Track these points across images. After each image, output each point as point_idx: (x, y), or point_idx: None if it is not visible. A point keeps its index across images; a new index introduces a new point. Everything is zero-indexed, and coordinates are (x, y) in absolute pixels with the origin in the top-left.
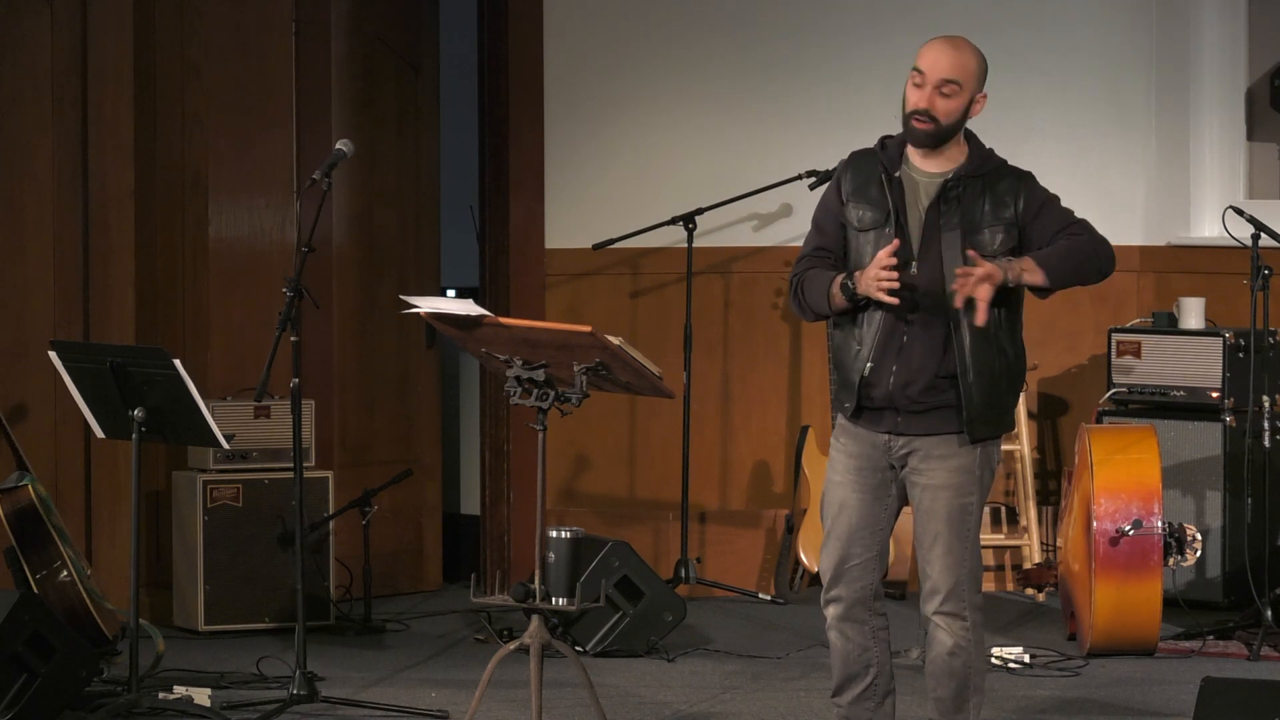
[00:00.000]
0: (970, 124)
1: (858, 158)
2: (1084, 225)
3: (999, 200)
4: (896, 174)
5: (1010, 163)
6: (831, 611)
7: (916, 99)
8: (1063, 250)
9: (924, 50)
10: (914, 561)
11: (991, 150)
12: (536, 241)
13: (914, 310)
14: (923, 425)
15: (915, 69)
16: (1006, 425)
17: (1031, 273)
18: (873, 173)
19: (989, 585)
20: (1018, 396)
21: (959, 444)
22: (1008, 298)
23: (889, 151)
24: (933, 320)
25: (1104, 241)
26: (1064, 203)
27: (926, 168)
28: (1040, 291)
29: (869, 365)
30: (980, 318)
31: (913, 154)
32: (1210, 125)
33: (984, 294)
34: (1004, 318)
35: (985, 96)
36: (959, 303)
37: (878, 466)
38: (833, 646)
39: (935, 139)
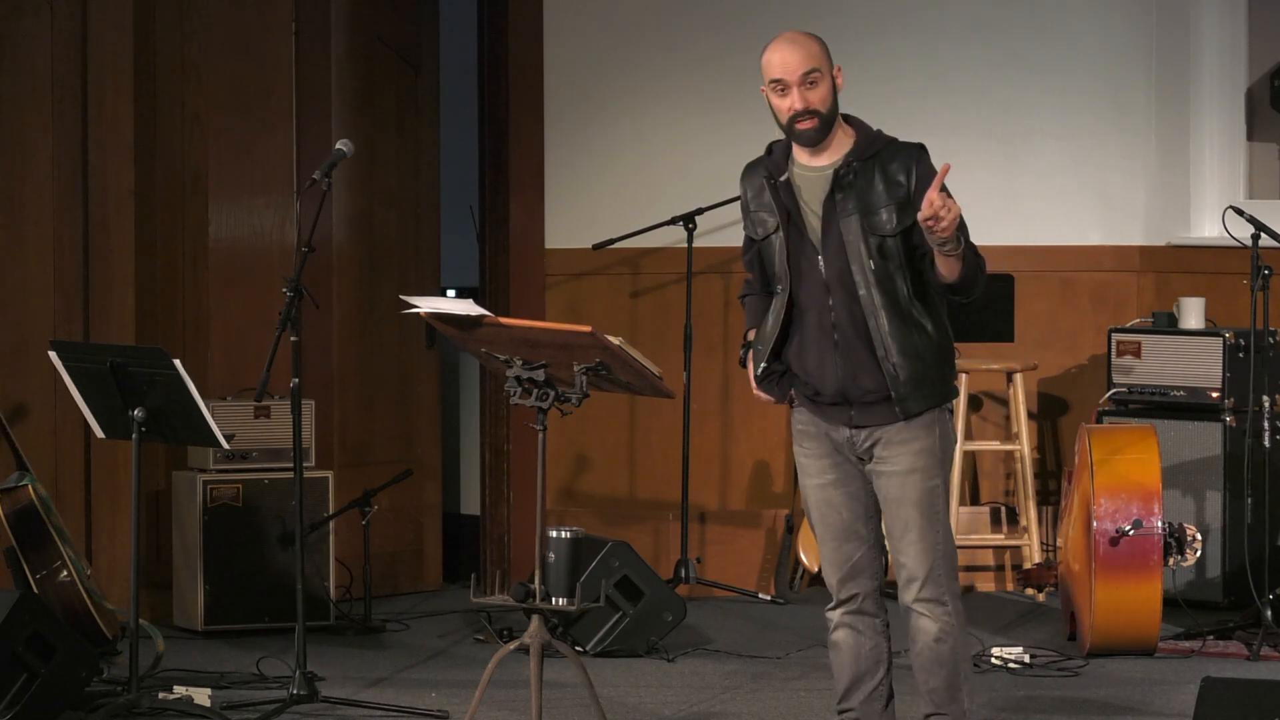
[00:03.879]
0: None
1: (747, 170)
2: (970, 243)
3: (891, 179)
4: (783, 177)
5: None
6: (841, 611)
7: (789, 104)
8: (971, 255)
9: (769, 60)
10: None
11: (879, 131)
12: (536, 241)
13: (833, 304)
14: (879, 415)
15: (773, 81)
16: (947, 395)
17: (955, 259)
18: (762, 181)
19: (989, 585)
20: (951, 368)
21: (918, 427)
22: (919, 274)
23: (775, 157)
24: (854, 310)
25: (981, 257)
26: (1063, 202)
27: (816, 162)
28: (935, 275)
29: (774, 362)
30: (951, 226)
31: (799, 153)
32: (1210, 125)
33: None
34: (914, 293)
35: (840, 68)
36: (932, 224)
37: (848, 459)
38: (840, 648)
39: (823, 131)
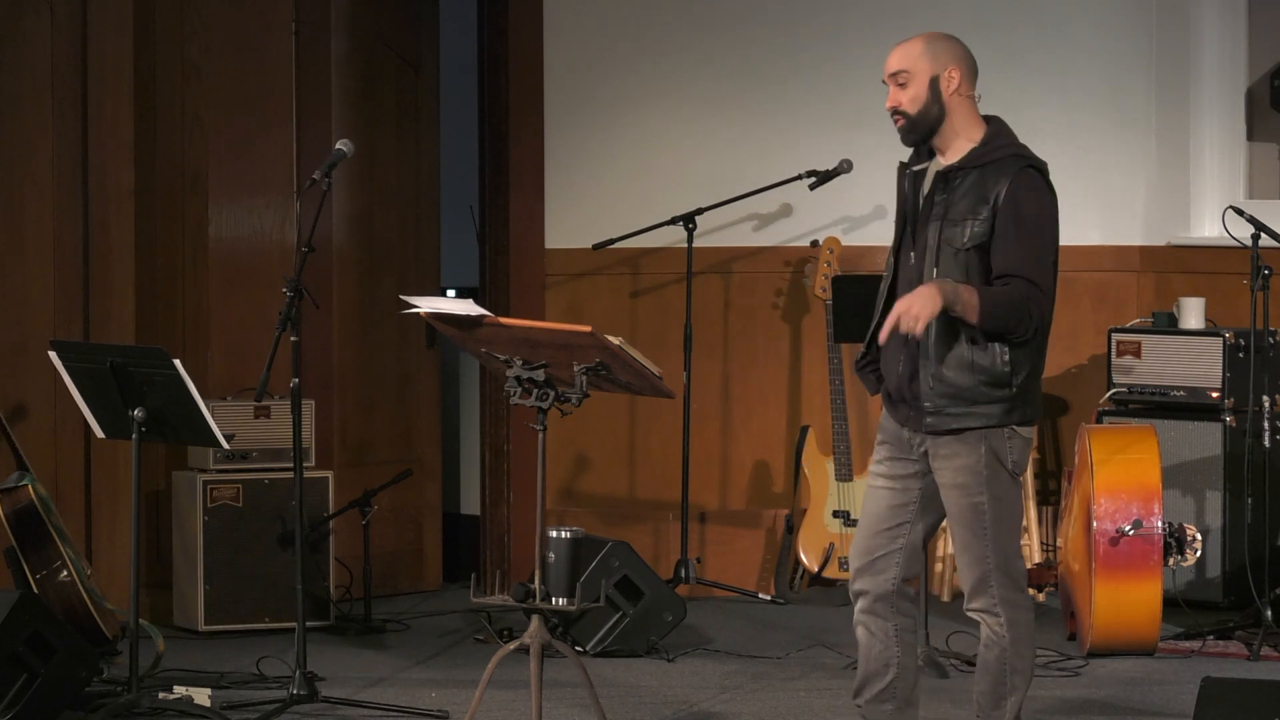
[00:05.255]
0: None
1: None
2: (1026, 286)
3: (984, 193)
4: (918, 167)
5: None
6: (857, 607)
7: (887, 102)
8: (1002, 298)
9: None
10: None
11: (1008, 142)
12: (536, 241)
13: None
14: (926, 427)
15: (884, 82)
16: (1002, 420)
17: (969, 312)
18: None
19: None
20: (1013, 393)
21: (962, 443)
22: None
23: (923, 150)
24: None
25: (1035, 302)
26: (1063, 202)
27: (941, 160)
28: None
29: (872, 353)
30: (918, 330)
31: (936, 150)
32: (1210, 125)
33: (922, 318)
34: None
35: (957, 70)
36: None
37: (907, 459)
38: (859, 642)
39: (915, 130)
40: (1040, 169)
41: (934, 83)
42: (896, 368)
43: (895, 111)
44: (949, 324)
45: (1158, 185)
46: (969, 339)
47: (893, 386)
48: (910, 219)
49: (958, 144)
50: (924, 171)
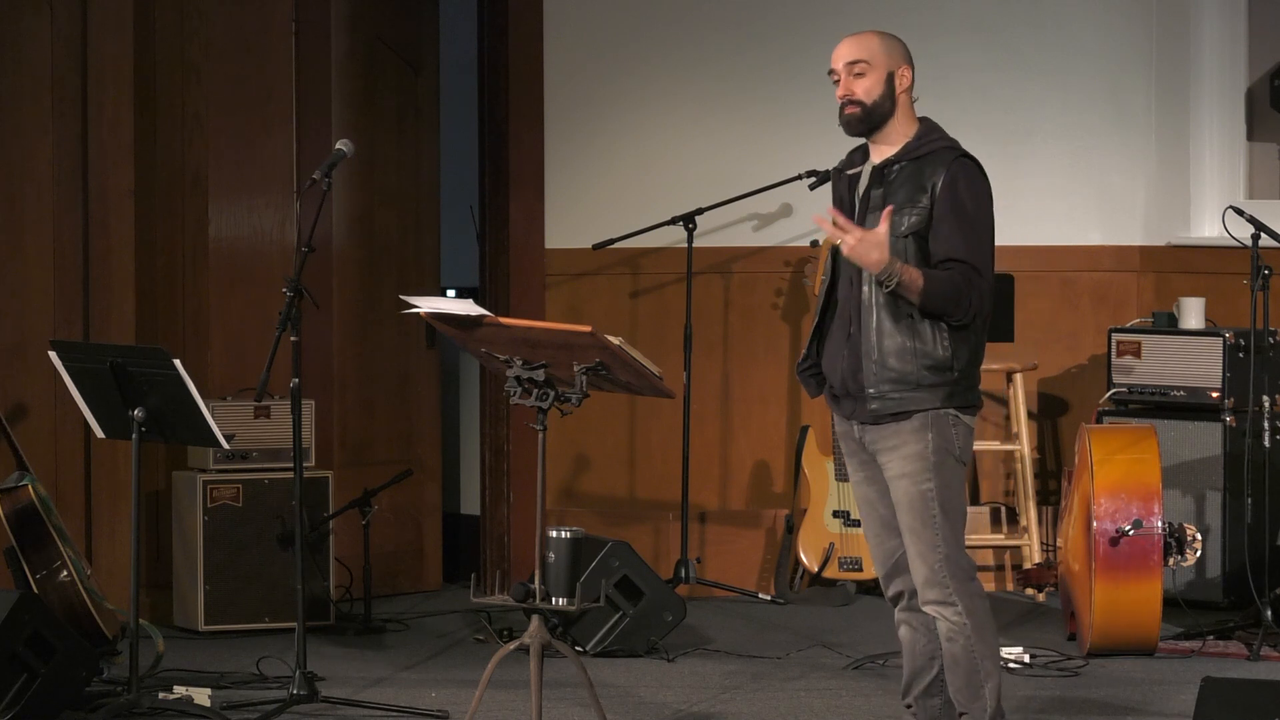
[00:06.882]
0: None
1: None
2: (967, 270)
3: (921, 183)
4: (851, 171)
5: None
6: (897, 607)
7: (837, 92)
8: (944, 280)
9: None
10: None
11: (941, 136)
12: (536, 241)
13: (853, 298)
14: (871, 414)
15: (829, 72)
16: (944, 402)
17: (911, 292)
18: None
19: (989, 585)
20: (954, 377)
21: (908, 432)
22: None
23: (857, 152)
24: (862, 305)
25: (976, 287)
26: (1064, 202)
27: (876, 157)
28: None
29: (814, 356)
30: (849, 243)
31: (872, 148)
32: (1210, 125)
33: (866, 259)
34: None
35: (908, 70)
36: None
37: (870, 461)
38: (902, 643)
39: (867, 121)
40: (975, 160)
41: (890, 78)
42: (840, 364)
43: (850, 100)
44: (890, 315)
45: (1158, 185)
46: (908, 328)
47: (837, 382)
48: (852, 217)
49: (894, 139)
50: (859, 175)
